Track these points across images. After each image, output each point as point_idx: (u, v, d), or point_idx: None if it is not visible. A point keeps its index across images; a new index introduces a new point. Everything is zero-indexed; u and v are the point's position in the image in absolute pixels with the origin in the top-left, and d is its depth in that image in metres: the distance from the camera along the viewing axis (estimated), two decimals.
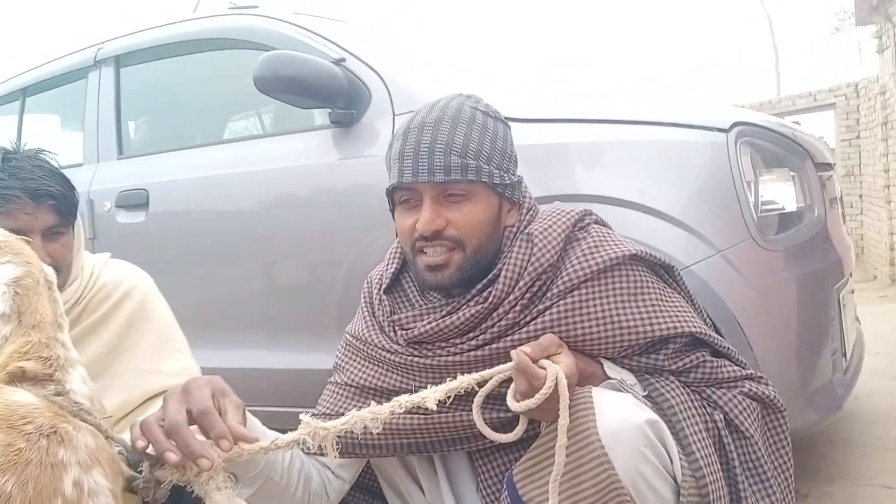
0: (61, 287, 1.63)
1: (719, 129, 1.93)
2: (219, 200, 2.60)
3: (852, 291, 2.63)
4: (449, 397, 1.17)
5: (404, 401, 1.13)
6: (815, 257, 2.10)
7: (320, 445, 1.10)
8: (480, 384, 1.24)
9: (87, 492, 0.92)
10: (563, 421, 1.13)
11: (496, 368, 1.21)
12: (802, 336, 1.99)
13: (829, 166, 2.44)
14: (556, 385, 1.14)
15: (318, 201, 2.38)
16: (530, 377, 1.16)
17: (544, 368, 1.16)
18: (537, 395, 1.14)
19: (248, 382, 2.44)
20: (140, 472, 1.07)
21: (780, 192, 2.07)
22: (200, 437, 1.03)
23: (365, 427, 1.11)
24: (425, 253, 1.35)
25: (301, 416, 1.11)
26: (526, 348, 1.20)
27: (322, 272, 2.42)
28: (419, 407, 1.15)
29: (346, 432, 1.35)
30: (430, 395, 1.14)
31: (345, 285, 2.31)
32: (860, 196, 8.64)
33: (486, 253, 1.36)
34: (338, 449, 1.31)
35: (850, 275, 2.47)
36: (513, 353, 1.19)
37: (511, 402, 1.18)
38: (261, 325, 2.54)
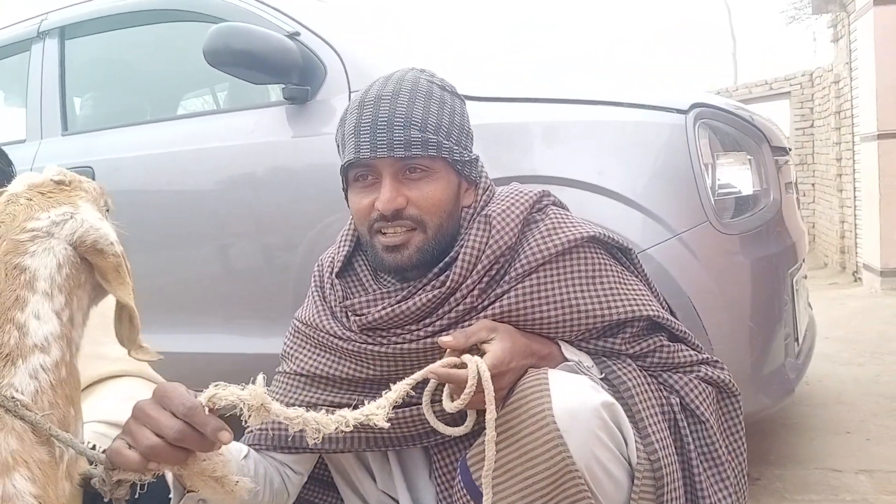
0: None
1: (678, 111, 1.92)
2: (168, 179, 2.51)
3: (805, 277, 2.66)
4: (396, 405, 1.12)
5: (351, 418, 1.06)
6: (770, 242, 2.11)
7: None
8: (418, 386, 1.22)
9: (1, 496, 0.84)
10: (490, 415, 1.11)
11: (424, 370, 1.16)
12: (756, 320, 1.99)
13: (784, 151, 2.45)
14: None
15: (271, 180, 2.32)
16: (446, 380, 1.16)
17: (470, 363, 1.15)
18: (462, 395, 1.13)
19: (202, 367, 2.39)
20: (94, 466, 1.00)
21: (737, 175, 2.07)
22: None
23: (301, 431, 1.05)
24: (383, 233, 1.29)
25: (259, 378, 1.04)
26: (448, 337, 1.20)
27: (277, 254, 2.36)
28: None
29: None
30: (378, 413, 1.07)
31: (300, 268, 2.25)
32: (813, 185, 8.79)
33: (446, 234, 1.31)
34: (292, 443, 1.27)
35: (804, 260, 2.49)
36: (440, 339, 1.20)
37: (445, 403, 1.17)
38: (214, 309, 2.47)
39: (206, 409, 0.98)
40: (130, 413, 1.00)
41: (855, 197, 6.91)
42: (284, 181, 2.29)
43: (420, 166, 1.27)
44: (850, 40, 6.70)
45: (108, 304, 1.72)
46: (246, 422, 1.01)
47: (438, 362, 1.18)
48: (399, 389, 1.12)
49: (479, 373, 1.13)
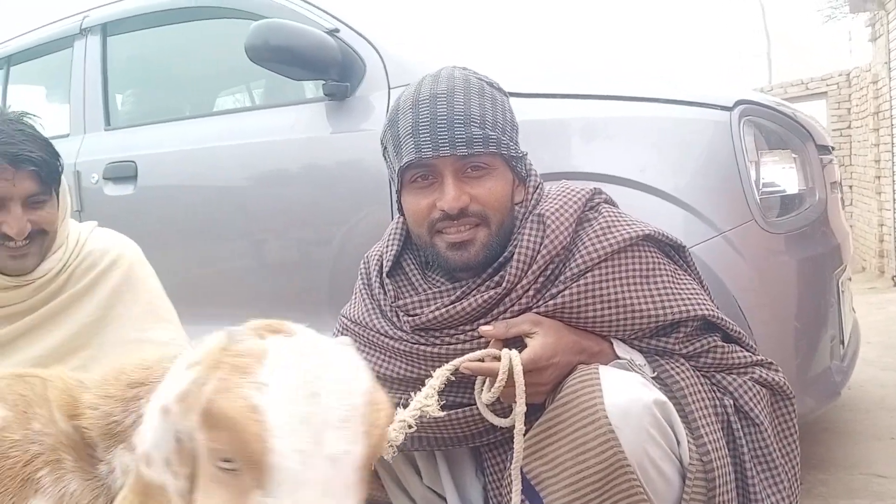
0: (45, 255, 1.58)
1: (722, 107, 1.88)
2: (209, 174, 2.53)
3: (850, 279, 2.60)
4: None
5: (409, 417, 1.08)
6: (816, 242, 2.07)
7: None
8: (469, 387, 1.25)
9: None
10: (519, 408, 1.12)
11: (457, 360, 1.18)
12: (802, 321, 1.96)
13: (828, 149, 2.40)
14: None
15: (309, 176, 2.32)
16: (479, 373, 1.17)
17: (504, 356, 1.17)
18: (494, 387, 1.14)
19: None
20: None
21: (782, 173, 2.04)
22: None
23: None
24: (446, 232, 1.28)
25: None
26: (489, 327, 1.22)
27: (312, 249, 2.37)
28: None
29: None
30: (430, 405, 1.10)
31: (335, 262, 2.26)
32: (850, 187, 8.63)
33: (507, 230, 1.30)
34: None
35: (848, 262, 2.44)
36: (481, 328, 1.23)
37: (483, 394, 1.19)
38: (250, 302, 2.48)
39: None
40: None
41: (894, 199, 6.77)
42: (322, 177, 2.30)
43: (481, 164, 1.27)
44: (889, 39, 6.57)
45: (152, 293, 1.74)
46: None
47: (471, 354, 1.19)
48: (440, 376, 1.14)
49: (511, 366, 1.13)
